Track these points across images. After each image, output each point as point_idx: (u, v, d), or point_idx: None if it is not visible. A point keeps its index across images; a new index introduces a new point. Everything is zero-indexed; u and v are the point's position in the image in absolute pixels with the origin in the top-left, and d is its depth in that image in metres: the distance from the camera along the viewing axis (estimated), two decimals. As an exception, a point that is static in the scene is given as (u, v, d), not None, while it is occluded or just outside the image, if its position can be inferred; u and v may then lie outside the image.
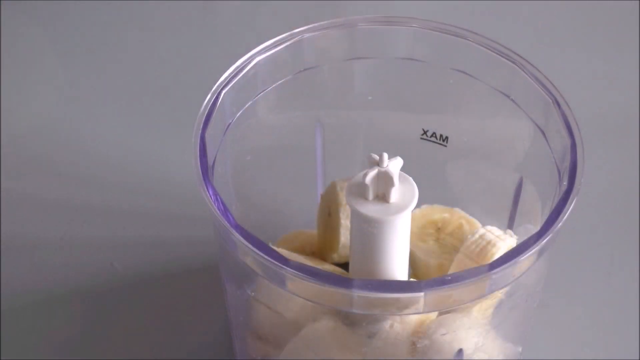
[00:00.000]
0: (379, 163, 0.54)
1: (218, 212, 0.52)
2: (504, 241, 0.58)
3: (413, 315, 0.55)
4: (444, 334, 0.55)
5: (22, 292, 0.70)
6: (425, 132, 0.63)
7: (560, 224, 0.51)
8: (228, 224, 0.51)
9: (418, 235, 0.64)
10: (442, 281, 0.49)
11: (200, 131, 0.55)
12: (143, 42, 0.87)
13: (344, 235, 0.62)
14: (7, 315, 0.69)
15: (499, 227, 0.61)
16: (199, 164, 0.54)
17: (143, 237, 0.73)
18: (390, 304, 0.51)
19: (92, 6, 0.89)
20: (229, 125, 0.59)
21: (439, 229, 0.64)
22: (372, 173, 0.54)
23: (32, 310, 0.69)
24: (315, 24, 0.60)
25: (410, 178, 0.56)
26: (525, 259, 0.50)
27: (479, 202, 0.65)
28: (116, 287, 0.71)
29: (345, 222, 0.62)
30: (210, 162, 0.56)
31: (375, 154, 0.54)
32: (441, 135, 0.63)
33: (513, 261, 0.50)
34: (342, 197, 0.62)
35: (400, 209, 0.55)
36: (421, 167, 0.60)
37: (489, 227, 0.59)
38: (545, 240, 0.51)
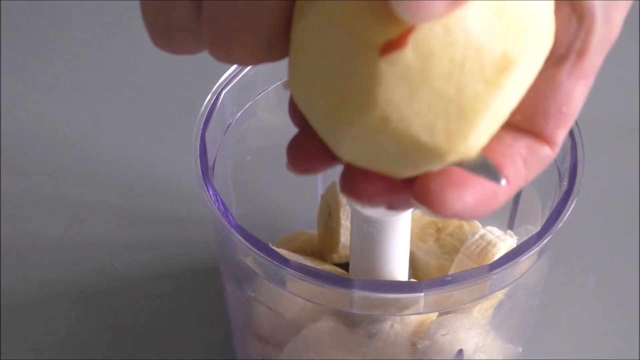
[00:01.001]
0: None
1: (218, 212, 0.52)
2: (504, 241, 0.58)
3: (413, 316, 0.55)
4: (444, 335, 0.55)
5: (22, 292, 0.70)
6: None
7: (560, 224, 0.51)
8: (228, 224, 0.51)
9: (418, 235, 0.64)
10: (443, 281, 0.49)
11: (200, 131, 0.55)
12: (143, 41, 0.87)
13: (344, 236, 0.62)
14: (7, 315, 0.69)
15: (499, 228, 0.60)
16: (199, 164, 0.54)
17: (143, 237, 0.73)
18: (390, 304, 0.51)
19: (91, 5, 0.89)
20: (229, 126, 0.59)
21: (439, 229, 0.64)
22: (373, 173, 0.54)
23: (32, 310, 0.69)
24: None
25: (411, 178, 0.56)
26: (526, 259, 0.50)
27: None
28: (116, 287, 0.71)
29: (345, 223, 0.62)
30: (210, 162, 0.56)
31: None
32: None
33: (513, 261, 0.50)
34: (342, 197, 0.62)
35: (400, 209, 0.55)
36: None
37: (489, 228, 0.59)
38: (545, 241, 0.51)
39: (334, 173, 0.65)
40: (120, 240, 0.73)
